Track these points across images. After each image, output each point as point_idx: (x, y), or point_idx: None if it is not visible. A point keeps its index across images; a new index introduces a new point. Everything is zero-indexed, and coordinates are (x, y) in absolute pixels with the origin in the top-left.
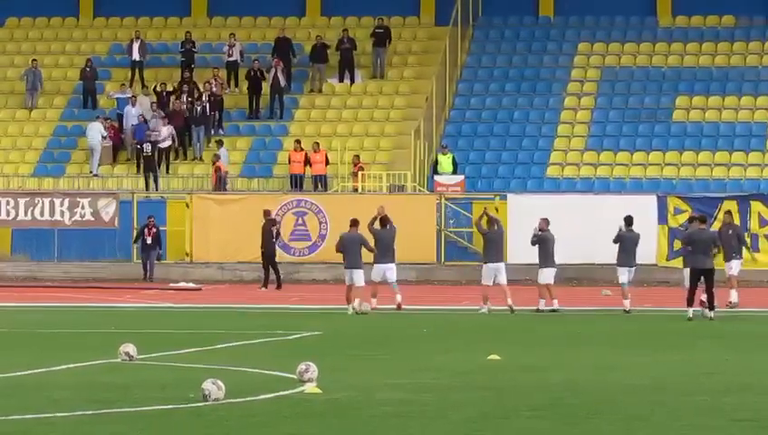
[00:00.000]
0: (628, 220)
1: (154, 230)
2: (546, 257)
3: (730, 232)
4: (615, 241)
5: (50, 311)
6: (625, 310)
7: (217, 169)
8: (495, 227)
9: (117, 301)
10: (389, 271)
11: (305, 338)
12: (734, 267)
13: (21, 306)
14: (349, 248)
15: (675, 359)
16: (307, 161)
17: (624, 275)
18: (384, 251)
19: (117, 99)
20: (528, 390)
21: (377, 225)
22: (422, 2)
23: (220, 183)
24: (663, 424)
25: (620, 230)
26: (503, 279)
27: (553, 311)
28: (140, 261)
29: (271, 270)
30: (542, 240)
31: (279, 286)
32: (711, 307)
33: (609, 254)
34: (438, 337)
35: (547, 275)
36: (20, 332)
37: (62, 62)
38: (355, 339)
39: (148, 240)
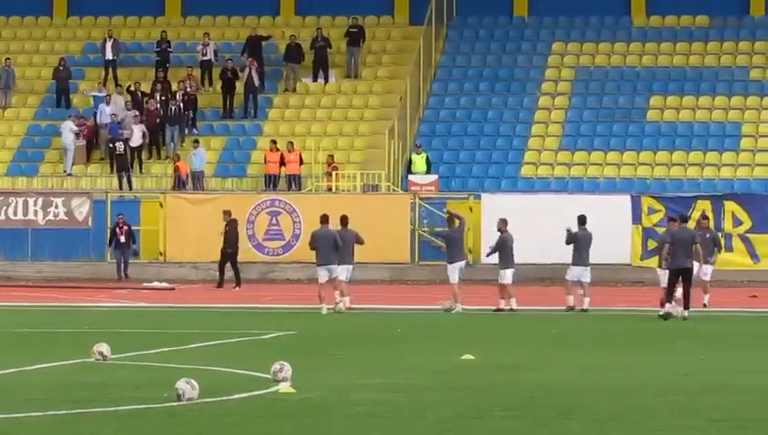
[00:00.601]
0: (582, 219)
1: (125, 228)
2: (507, 258)
3: (707, 235)
4: (568, 242)
5: (23, 310)
6: (569, 306)
7: (176, 169)
8: (457, 225)
9: (90, 300)
10: (349, 271)
11: (279, 338)
12: (709, 272)
13: None
14: (322, 245)
15: (650, 359)
16: (282, 162)
17: (573, 272)
18: (346, 251)
19: (93, 96)
20: (502, 390)
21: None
22: (396, 1)
23: (179, 183)
24: (637, 424)
25: (569, 231)
26: (460, 275)
27: (498, 310)
28: (114, 260)
29: (229, 269)
30: (502, 241)
31: (221, 286)
32: (686, 307)
33: None
34: (412, 337)
35: (508, 276)
36: None
37: (36, 61)
38: (329, 339)
39: (122, 239)
